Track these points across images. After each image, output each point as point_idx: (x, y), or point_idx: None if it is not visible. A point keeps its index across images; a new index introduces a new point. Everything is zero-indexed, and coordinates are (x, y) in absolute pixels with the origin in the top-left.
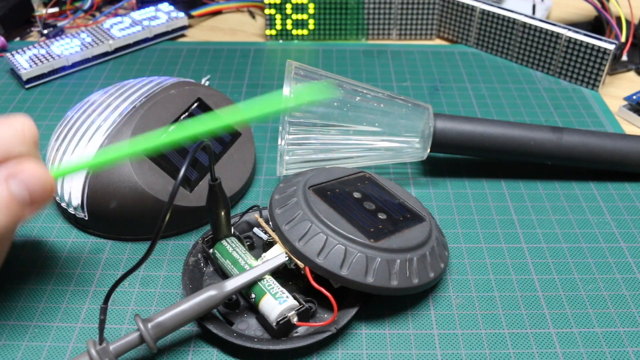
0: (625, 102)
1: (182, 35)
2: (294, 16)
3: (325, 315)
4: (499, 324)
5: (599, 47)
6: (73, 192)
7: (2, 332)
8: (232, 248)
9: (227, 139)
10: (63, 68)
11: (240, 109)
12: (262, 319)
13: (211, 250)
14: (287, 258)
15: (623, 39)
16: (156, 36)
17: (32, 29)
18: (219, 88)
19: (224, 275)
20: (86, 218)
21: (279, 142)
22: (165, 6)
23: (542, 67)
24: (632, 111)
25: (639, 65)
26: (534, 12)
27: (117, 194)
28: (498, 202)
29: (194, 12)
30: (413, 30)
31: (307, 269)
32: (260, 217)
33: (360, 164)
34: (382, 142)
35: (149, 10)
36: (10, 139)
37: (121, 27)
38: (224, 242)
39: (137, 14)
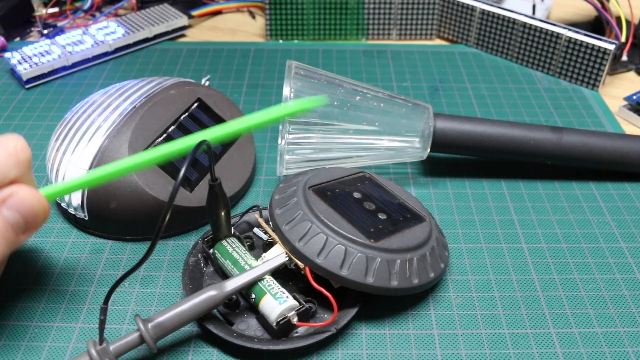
0: (625, 102)
1: (182, 36)
2: (294, 16)
3: (325, 316)
4: (499, 324)
5: (599, 47)
6: (73, 192)
7: (2, 332)
8: (232, 248)
9: None
10: (63, 68)
11: (245, 119)
12: (262, 319)
13: (211, 251)
14: (287, 258)
15: (623, 39)
16: (156, 36)
17: (32, 29)
18: (219, 88)
19: (224, 275)
20: (86, 218)
21: (279, 142)
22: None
23: (542, 67)
24: (632, 111)
25: (639, 65)
26: (534, 12)
27: (117, 194)
28: (498, 202)
29: (194, 12)
30: (413, 30)
31: (307, 269)
32: (260, 217)
33: (360, 164)
34: (382, 142)
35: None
36: (4, 162)
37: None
38: (224, 242)
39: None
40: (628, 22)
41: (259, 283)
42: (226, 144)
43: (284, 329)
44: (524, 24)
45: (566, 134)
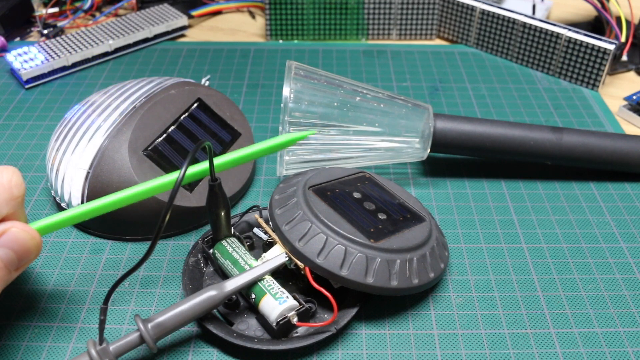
0: (625, 102)
1: (182, 35)
2: (294, 16)
3: (325, 316)
4: (499, 324)
5: (599, 47)
6: (73, 192)
7: (2, 332)
8: (232, 248)
9: (227, 139)
10: (63, 68)
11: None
12: (262, 319)
13: (211, 251)
14: (287, 258)
15: (623, 39)
16: (156, 36)
17: (32, 29)
18: (219, 88)
19: (224, 275)
20: None
21: None
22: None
23: (542, 67)
24: (632, 111)
25: (639, 65)
26: (534, 12)
27: None
28: (498, 202)
29: (194, 12)
30: (413, 30)
31: (307, 269)
32: (260, 217)
33: (360, 164)
34: (382, 142)
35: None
36: None
37: None
38: (224, 242)
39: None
40: (628, 22)
41: (258, 283)
42: (226, 144)
43: (284, 329)
44: (524, 24)
45: (566, 134)
